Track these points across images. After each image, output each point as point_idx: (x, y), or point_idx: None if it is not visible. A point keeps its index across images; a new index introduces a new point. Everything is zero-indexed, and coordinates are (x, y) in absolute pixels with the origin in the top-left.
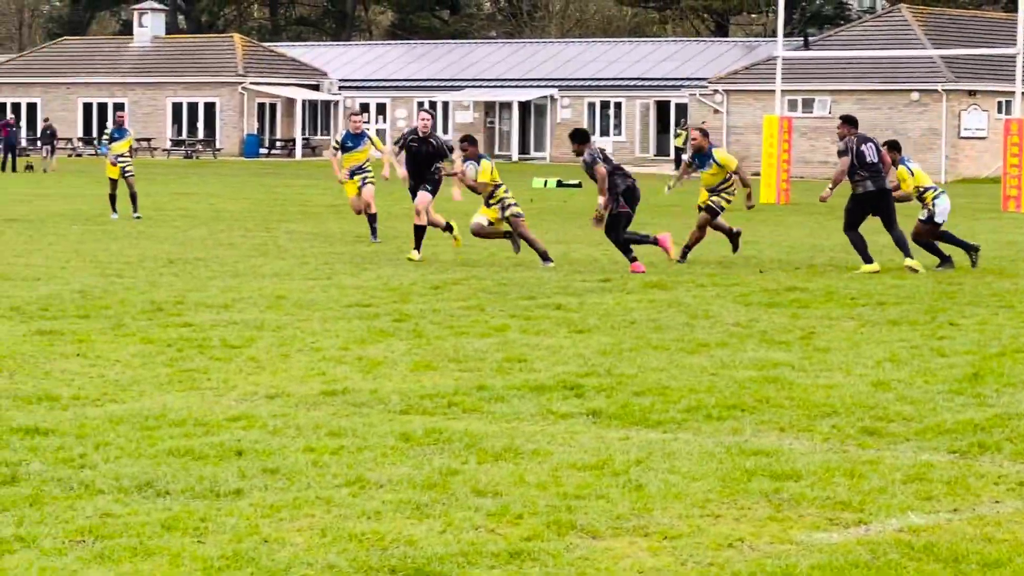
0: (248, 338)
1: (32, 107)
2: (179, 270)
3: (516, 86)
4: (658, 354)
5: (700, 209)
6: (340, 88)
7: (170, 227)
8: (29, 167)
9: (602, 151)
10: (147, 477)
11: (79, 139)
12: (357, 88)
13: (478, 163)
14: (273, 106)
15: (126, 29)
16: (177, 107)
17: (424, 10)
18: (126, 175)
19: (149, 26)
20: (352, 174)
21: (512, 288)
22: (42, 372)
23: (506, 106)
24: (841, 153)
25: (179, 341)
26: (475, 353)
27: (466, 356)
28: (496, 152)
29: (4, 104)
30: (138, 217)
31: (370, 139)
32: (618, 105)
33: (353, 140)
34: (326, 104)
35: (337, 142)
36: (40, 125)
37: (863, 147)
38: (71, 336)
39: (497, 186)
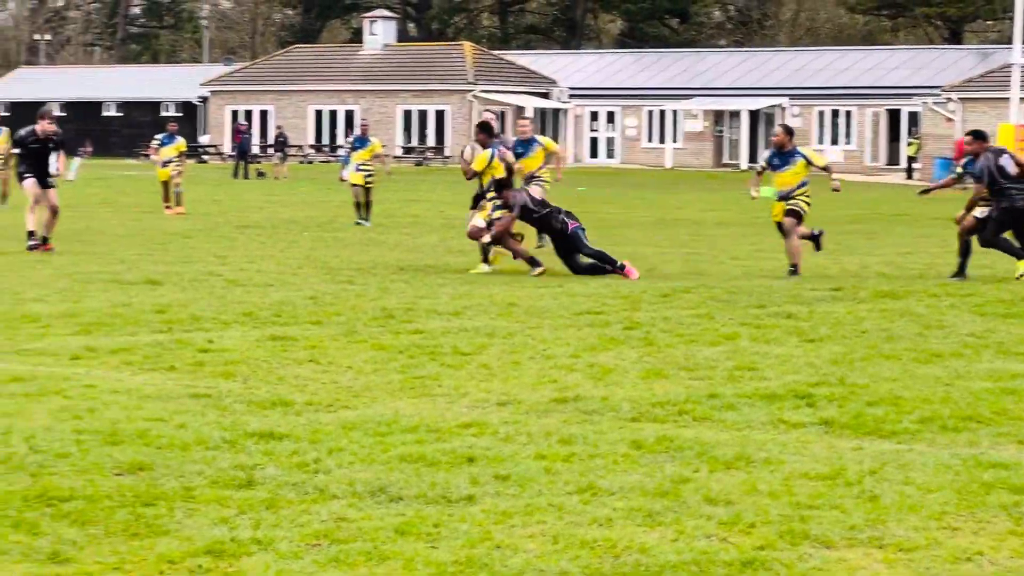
0: (479, 345)
1: (264, 114)
2: (410, 277)
3: (745, 95)
4: (890, 364)
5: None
6: (570, 96)
7: (400, 234)
8: (261, 174)
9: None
10: (380, 482)
11: (310, 146)
12: (586, 96)
13: (482, 149)
14: (503, 114)
15: (356, 37)
16: (407, 114)
17: (653, 19)
18: (368, 183)
19: (380, 34)
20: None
21: (741, 296)
22: (276, 377)
23: (735, 115)
24: (977, 178)
25: (411, 348)
26: (705, 361)
27: (696, 364)
28: (725, 160)
29: (236, 111)
30: (366, 224)
31: (541, 145)
32: (848, 113)
33: (523, 147)
34: (555, 112)
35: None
36: (272, 132)
37: (1000, 160)
38: (304, 342)
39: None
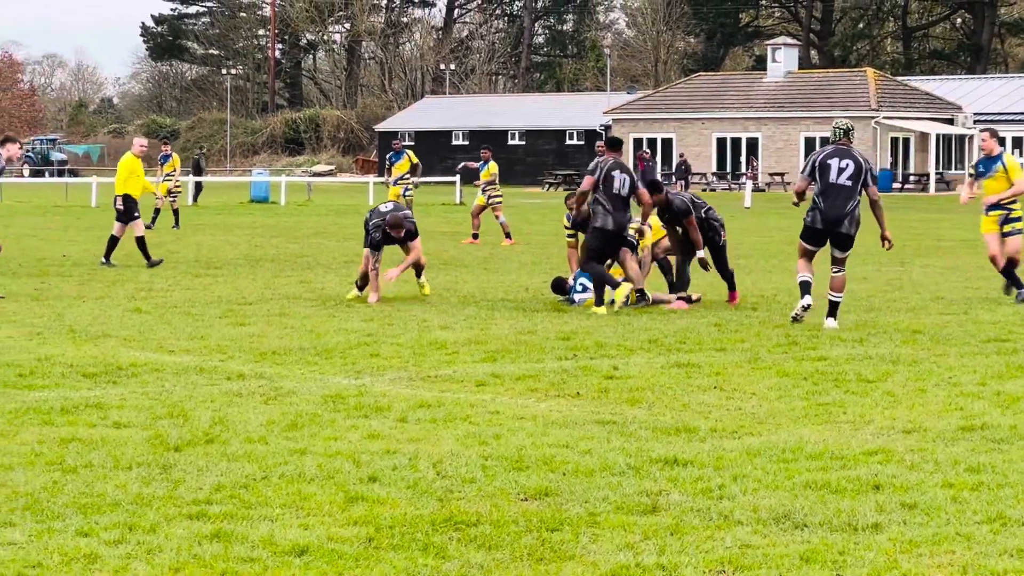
0: (883, 372)
1: (667, 142)
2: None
3: None
4: None
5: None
6: (975, 122)
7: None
8: None
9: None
10: (784, 509)
11: (713, 174)
12: (991, 121)
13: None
14: (906, 140)
15: (759, 64)
16: (810, 141)
17: None
18: None
19: (782, 61)
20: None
21: None
22: (680, 404)
23: None
24: None
25: (814, 375)
26: None
27: None
28: None
29: (640, 139)
30: None
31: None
32: None
33: (984, 165)
34: (960, 138)
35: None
36: (675, 160)
37: None
38: (708, 368)
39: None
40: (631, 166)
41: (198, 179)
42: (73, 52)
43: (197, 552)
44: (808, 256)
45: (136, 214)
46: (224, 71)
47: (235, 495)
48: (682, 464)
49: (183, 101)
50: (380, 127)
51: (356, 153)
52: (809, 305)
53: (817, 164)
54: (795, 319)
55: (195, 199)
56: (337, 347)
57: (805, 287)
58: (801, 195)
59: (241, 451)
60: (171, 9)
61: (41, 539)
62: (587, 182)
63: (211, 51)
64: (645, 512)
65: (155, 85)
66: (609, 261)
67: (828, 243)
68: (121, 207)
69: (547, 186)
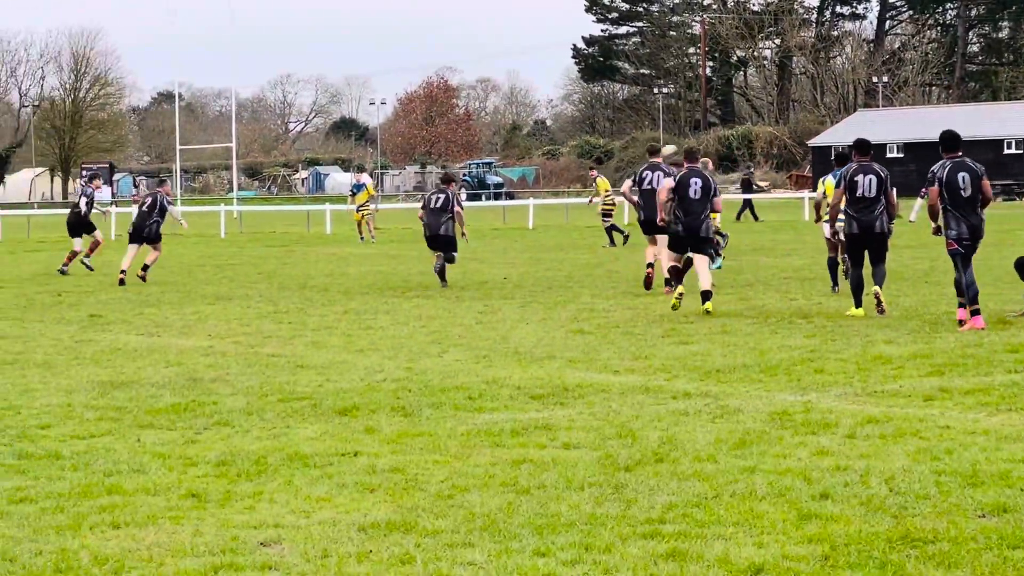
0: None
1: None
2: None
3: None
4: None
5: None
6: None
7: None
8: None
9: None
10: None
11: None
12: None
13: None
14: None
15: None
16: None
17: None
18: None
19: None
20: None
21: None
22: None
23: None
24: None
25: None
26: None
27: None
28: None
29: None
30: None
31: None
32: None
33: None
34: None
35: None
36: None
37: None
38: None
39: None
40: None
41: (747, 195)
42: (506, 76)
43: (653, 571)
44: None
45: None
46: (655, 90)
47: (687, 514)
48: None
49: (615, 121)
50: (813, 142)
51: (790, 169)
52: None
53: None
54: None
55: (740, 217)
56: (781, 364)
57: None
58: None
59: (691, 470)
60: (602, 30)
61: (500, 559)
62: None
63: (642, 71)
64: None
65: (587, 106)
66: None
67: None
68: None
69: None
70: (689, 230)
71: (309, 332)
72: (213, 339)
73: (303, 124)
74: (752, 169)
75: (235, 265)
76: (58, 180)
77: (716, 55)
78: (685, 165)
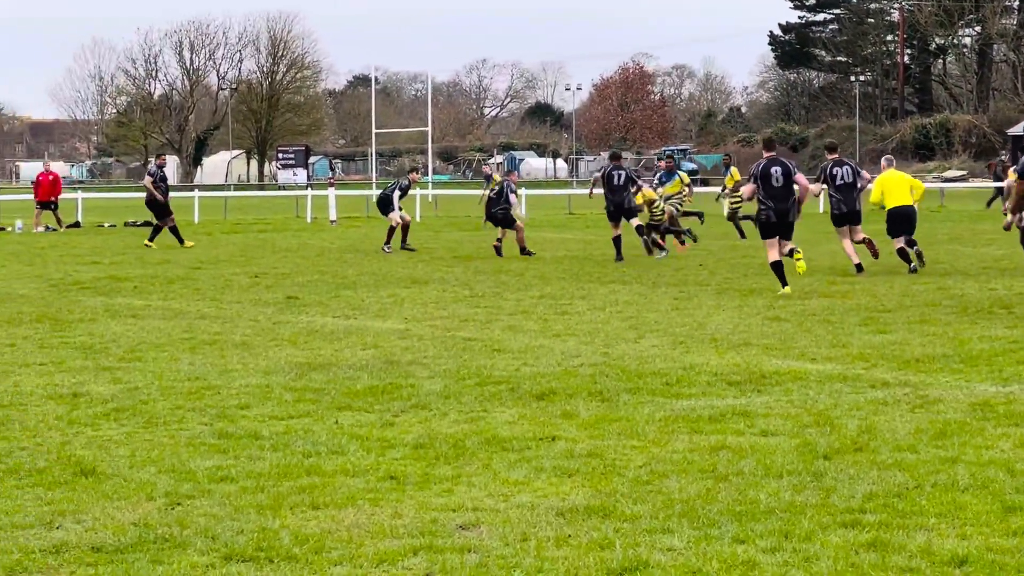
0: None
1: None
2: None
3: None
4: None
5: None
6: None
7: None
8: None
9: None
10: None
11: None
12: None
13: None
14: None
15: None
16: None
17: None
18: None
19: None
20: None
21: None
22: None
23: None
24: None
25: None
26: None
27: None
28: None
29: None
30: None
31: None
32: None
33: None
34: None
35: None
36: None
37: None
38: None
39: None
40: None
41: (998, 184)
42: (701, 62)
43: (854, 560)
44: None
45: None
46: (852, 78)
47: (888, 504)
48: None
49: (811, 109)
50: (1013, 131)
51: (988, 158)
52: None
53: None
54: None
55: (990, 204)
56: (982, 354)
57: None
58: None
59: (891, 460)
60: (799, 17)
61: (699, 545)
62: None
63: (839, 58)
64: None
65: (783, 93)
66: None
67: None
68: None
69: None
70: (779, 215)
71: (505, 316)
72: (409, 322)
73: (498, 109)
74: (1004, 159)
75: (431, 248)
76: (254, 162)
77: (914, 42)
78: (764, 155)
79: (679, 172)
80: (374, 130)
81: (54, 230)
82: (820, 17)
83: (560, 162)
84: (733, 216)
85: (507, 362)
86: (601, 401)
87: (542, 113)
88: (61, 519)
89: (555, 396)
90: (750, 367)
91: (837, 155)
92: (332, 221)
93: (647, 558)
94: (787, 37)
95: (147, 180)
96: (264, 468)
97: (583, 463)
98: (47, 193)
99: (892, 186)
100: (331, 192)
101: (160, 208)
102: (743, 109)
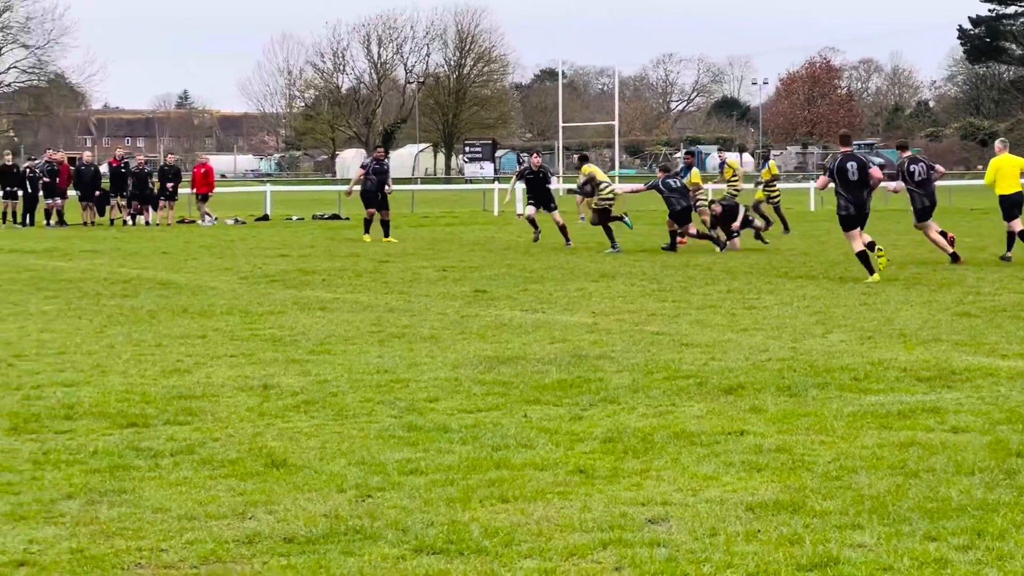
0: None
1: None
2: None
3: None
4: None
5: None
6: None
7: None
8: None
9: None
10: None
11: None
12: None
13: None
14: None
15: None
16: None
17: None
18: None
19: None
20: None
21: None
22: None
23: None
24: None
25: None
26: None
27: None
28: None
29: None
30: None
31: None
32: None
33: None
34: None
35: None
36: None
37: None
38: None
39: None
40: None
41: None
42: (888, 56)
43: None
44: None
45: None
46: None
47: None
48: None
49: (1000, 103)
50: None
51: None
52: None
53: None
54: None
55: None
56: None
57: None
58: None
59: None
60: (989, 10)
61: (890, 542)
62: None
63: None
64: None
65: (972, 87)
66: None
67: None
68: None
69: None
70: (857, 207)
71: (693, 311)
72: (597, 316)
73: (685, 103)
74: None
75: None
76: (441, 156)
77: None
78: (840, 150)
79: (695, 168)
80: (560, 124)
81: (192, 222)
82: (1011, 10)
83: (747, 156)
84: (777, 209)
85: (695, 356)
86: (789, 396)
87: (728, 108)
88: (253, 510)
89: (743, 391)
90: (939, 363)
91: (910, 153)
92: (519, 215)
93: (837, 554)
94: (977, 31)
95: (359, 172)
96: (453, 461)
97: (771, 458)
98: (200, 185)
99: (1006, 171)
100: (518, 186)
101: (367, 198)
102: (931, 103)
